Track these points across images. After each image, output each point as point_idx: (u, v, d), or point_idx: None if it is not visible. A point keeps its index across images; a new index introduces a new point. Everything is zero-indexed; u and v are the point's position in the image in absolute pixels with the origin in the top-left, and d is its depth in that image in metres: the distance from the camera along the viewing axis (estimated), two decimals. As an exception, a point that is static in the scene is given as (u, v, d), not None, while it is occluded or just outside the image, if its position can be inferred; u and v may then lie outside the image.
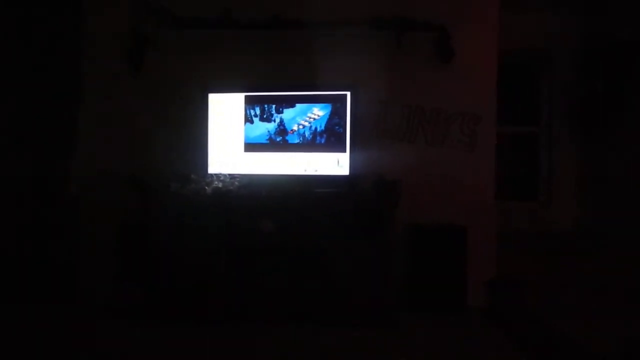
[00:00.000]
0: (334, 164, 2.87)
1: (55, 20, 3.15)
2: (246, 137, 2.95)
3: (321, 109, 2.89)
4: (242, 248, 2.69)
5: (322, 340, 2.46)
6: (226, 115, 2.96)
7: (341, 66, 3.04)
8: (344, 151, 2.86)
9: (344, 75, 3.00)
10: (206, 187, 2.73)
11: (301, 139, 2.91)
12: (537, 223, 4.41)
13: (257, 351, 2.36)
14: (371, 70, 3.08)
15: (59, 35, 3.15)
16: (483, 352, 2.38)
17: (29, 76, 3.15)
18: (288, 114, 2.92)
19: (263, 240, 2.69)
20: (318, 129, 2.89)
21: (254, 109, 2.94)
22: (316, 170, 2.88)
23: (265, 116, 2.93)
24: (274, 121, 2.93)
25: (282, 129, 2.92)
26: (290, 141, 2.92)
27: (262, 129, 2.94)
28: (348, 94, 2.86)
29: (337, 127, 2.88)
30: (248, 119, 2.95)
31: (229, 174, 2.85)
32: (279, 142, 2.93)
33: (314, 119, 2.89)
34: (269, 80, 3.06)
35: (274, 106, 2.92)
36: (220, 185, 2.77)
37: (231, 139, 2.96)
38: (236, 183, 2.79)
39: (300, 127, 2.91)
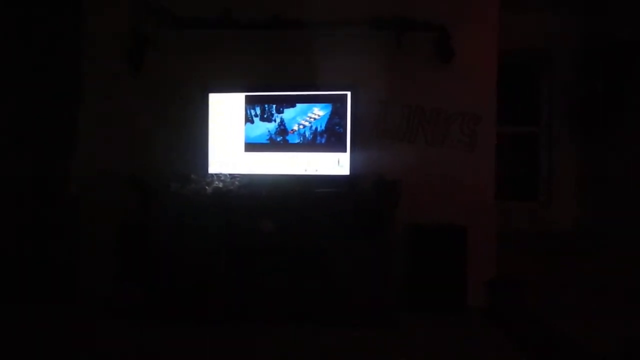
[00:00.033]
0: (335, 163, 2.87)
1: (55, 20, 3.15)
2: (246, 137, 2.95)
3: (321, 108, 2.89)
4: (242, 248, 2.69)
5: (322, 340, 2.46)
6: (226, 115, 2.96)
7: (341, 66, 3.04)
8: (345, 151, 2.86)
9: (344, 75, 3.00)
10: (206, 187, 2.73)
11: (301, 138, 2.91)
12: (537, 223, 4.41)
13: (257, 351, 2.36)
14: (371, 70, 3.08)
15: (59, 35, 3.15)
16: (483, 352, 2.38)
17: (29, 76, 3.15)
18: (288, 113, 2.92)
19: (263, 240, 2.69)
20: (318, 129, 2.89)
21: (254, 109, 2.94)
22: (316, 170, 2.88)
23: (265, 116, 2.93)
24: (275, 121, 2.93)
25: (282, 129, 2.92)
26: (290, 141, 2.92)
27: (263, 128, 2.94)
28: (348, 93, 2.86)
29: (337, 127, 2.88)
30: (248, 119, 2.95)
31: (229, 174, 2.85)
32: (279, 142, 2.93)
33: (315, 118, 2.89)
34: (269, 80, 3.06)
35: (274, 106, 2.92)
36: (220, 185, 2.77)
37: (231, 138, 2.96)
38: (236, 183, 2.79)
39: (301, 127, 2.91)
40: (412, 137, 3.11)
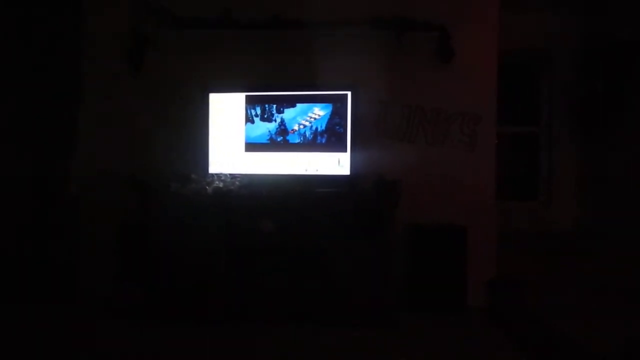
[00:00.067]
0: (335, 163, 2.87)
1: (55, 20, 3.15)
2: (247, 137, 2.95)
3: (322, 108, 2.89)
4: (242, 248, 2.69)
5: (322, 340, 2.46)
6: (227, 115, 2.96)
7: (341, 66, 3.04)
8: (345, 151, 2.86)
9: (344, 75, 3.00)
10: (207, 187, 2.73)
11: (302, 138, 2.91)
12: (537, 223, 4.41)
13: (257, 351, 2.36)
14: (371, 70, 3.08)
15: (59, 35, 3.15)
16: (483, 352, 2.38)
17: (29, 76, 3.15)
18: (289, 113, 2.92)
19: (263, 240, 2.69)
20: (319, 129, 2.89)
21: (254, 109, 2.94)
22: (317, 170, 2.88)
23: (266, 116, 2.93)
24: (275, 121, 2.93)
25: (282, 129, 2.92)
26: (291, 141, 2.92)
27: (263, 128, 2.94)
28: (349, 93, 2.86)
29: (337, 127, 2.88)
30: (249, 119, 2.95)
31: (230, 174, 2.85)
32: (279, 142, 2.93)
33: (315, 118, 2.89)
34: (269, 80, 3.06)
35: (274, 106, 2.92)
36: (220, 185, 2.77)
37: (232, 138, 2.96)
38: (237, 183, 2.79)
39: (301, 126, 2.91)
40: (412, 137, 3.11)
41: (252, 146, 2.95)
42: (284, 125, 2.92)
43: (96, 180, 3.09)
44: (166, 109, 3.12)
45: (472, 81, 3.08)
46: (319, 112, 2.89)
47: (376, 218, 2.67)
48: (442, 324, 2.74)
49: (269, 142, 2.93)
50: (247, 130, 2.95)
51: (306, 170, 2.89)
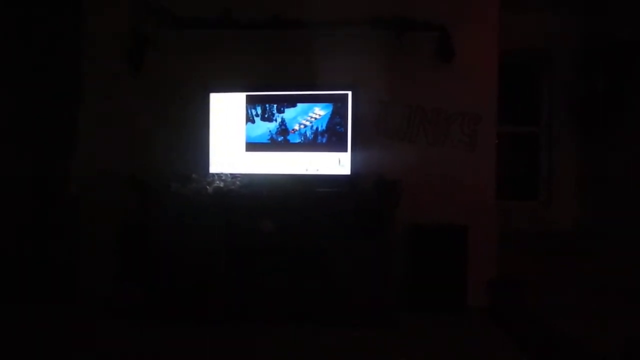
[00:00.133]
0: (335, 163, 2.87)
1: (55, 20, 3.15)
2: (247, 137, 2.95)
3: (322, 108, 2.89)
4: (242, 248, 2.69)
5: (322, 340, 2.46)
6: (227, 115, 2.96)
7: (342, 66, 3.04)
8: (345, 151, 2.86)
9: (344, 75, 3.00)
10: (207, 187, 2.73)
11: (302, 138, 2.91)
12: (537, 223, 4.40)
13: (257, 351, 2.36)
14: (372, 70, 3.08)
15: (59, 35, 3.15)
16: (483, 352, 2.38)
17: (29, 76, 3.15)
18: (289, 113, 2.92)
19: (263, 240, 2.69)
20: (319, 129, 2.89)
21: (255, 109, 2.94)
22: (317, 170, 2.88)
23: (266, 116, 2.93)
24: (275, 121, 2.93)
25: (283, 129, 2.92)
26: (291, 141, 2.92)
27: (264, 128, 2.94)
28: (349, 93, 2.86)
29: (338, 127, 2.88)
30: (249, 119, 2.95)
31: (230, 174, 2.85)
32: (280, 141, 2.93)
33: (315, 118, 2.89)
34: (270, 80, 3.06)
35: (275, 106, 2.92)
36: (221, 184, 2.76)
37: (232, 138, 2.96)
38: (237, 183, 2.79)
39: (302, 126, 2.91)
40: (412, 137, 3.11)
41: (252, 146, 2.95)
42: (285, 125, 2.92)
43: (96, 180, 3.09)
44: (166, 109, 3.12)
45: (472, 81, 3.08)
46: (320, 111, 2.89)
47: (376, 218, 2.67)
48: (442, 324, 2.74)
49: (269, 141, 2.93)
50: (247, 130, 2.95)
51: (307, 170, 2.89)
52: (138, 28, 3.06)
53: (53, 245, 3.11)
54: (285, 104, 2.92)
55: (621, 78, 4.09)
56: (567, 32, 4.37)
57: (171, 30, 3.03)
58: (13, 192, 3.11)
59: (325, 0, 3.05)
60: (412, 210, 2.96)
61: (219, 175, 2.84)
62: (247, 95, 2.95)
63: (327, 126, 2.88)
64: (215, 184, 2.76)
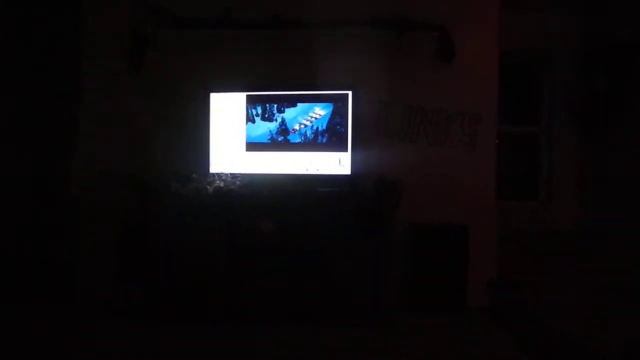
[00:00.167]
0: (336, 163, 2.87)
1: (55, 20, 3.15)
2: (248, 137, 2.95)
3: (323, 108, 2.89)
4: (242, 248, 2.69)
5: (322, 340, 2.46)
6: (227, 115, 2.96)
7: (341, 66, 3.03)
8: (346, 151, 2.86)
9: (344, 75, 3.00)
10: (207, 187, 2.73)
11: (303, 138, 2.91)
12: (537, 223, 4.41)
13: (257, 351, 2.36)
14: (372, 70, 3.08)
15: (59, 35, 3.15)
16: (483, 352, 2.38)
17: (29, 76, 3.15)
18: (289, 113, 2.91)
19: (263, 240, 2.69)
20: (319, 129, 2.89)
21: (255, 109, 2.94)
22: (318, 170, 2.88)
23: (266, 115, 2.93)
24: (276, 120, 2.93)
25: (283, 129, 2.92)
26: (291, 141, 2.92)
27: (264, 128, 2.94)
28: (349, 93, 2.86)
29: (338, 127, 2.88)
30: (249, 119, 2.95)
31: (231, 174, 2.85)
32: (280, 141, 2.93)
33: (316, 118, 2.89)
34: (270, 80, 3.05)
35: (275, 105, 2.92)
36: (221, 184, 2.76)
37: (232, 138, 2.96)
38: (237, 182, 2.79)
39: (302, 126, 2.91)
40: (413, 137, 3.11)
41: (252, 146, 2.95)
42: (285, 125, 2.92)
43: (96, 180, 3.09)
44: (166, 109, 3.12)
45: (472, 81, 3.08)
46: (320, 111, 2.89)
47: (376, 218, 2.67)
48: (442, 324, 2.74)
49: (269, 141, 2.93)
50: (247, 130, 2.95)
51: (307, 169, 2.89)
52: (138, 28, 3.06)
53: (53, 245, 3.11)
54: (286, 103, 2.92)
55: (621, 78, 4.09)
56: (567, 32, 4.37)
57: (171, 30, 3.03)
58: (13, 192, 3.11)
59: (325, 0, 3.05)
60: (412, 210, 2.96)
61: (219, 175, 2.84)
62: (247, 95, 2.95)
63: (327, 126, 2.88)
64: (216, 184, 2.76)
